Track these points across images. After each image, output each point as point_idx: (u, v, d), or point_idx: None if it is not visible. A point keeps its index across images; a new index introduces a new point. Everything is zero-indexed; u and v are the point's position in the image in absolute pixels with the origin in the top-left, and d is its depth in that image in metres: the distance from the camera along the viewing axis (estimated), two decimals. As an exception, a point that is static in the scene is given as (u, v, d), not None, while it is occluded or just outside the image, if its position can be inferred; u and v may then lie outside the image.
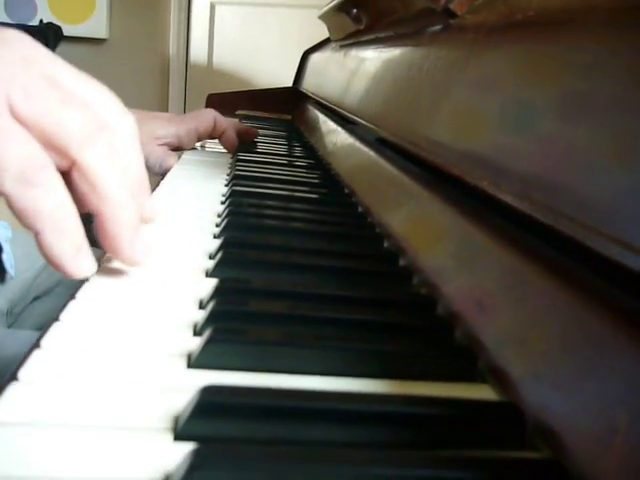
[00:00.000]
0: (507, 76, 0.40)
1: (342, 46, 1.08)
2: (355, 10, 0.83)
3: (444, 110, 0.47)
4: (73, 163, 0.32)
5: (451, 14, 0.52)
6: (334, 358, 0.28)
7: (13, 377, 0.25)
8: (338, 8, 0.92)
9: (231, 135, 0.92)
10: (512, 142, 0.36)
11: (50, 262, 0.32)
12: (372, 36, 0.84)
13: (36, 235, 0.31)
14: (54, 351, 0.28)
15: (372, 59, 0.78)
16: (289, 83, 1.58)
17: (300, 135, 1.19)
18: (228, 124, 0.93)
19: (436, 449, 0.23)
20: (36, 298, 0.89)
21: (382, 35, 0.78)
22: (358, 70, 0.84)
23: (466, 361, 0.29)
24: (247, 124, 1.13)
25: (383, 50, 0.73)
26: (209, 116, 0.92)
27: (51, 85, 0.32)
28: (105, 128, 0.34)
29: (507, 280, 0.33)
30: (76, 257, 0.32)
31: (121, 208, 0.34)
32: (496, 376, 0.28)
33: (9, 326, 0.82)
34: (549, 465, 0.22)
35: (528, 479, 0.20)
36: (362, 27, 0.86)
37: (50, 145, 0.31)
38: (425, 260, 0.42)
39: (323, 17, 1.10)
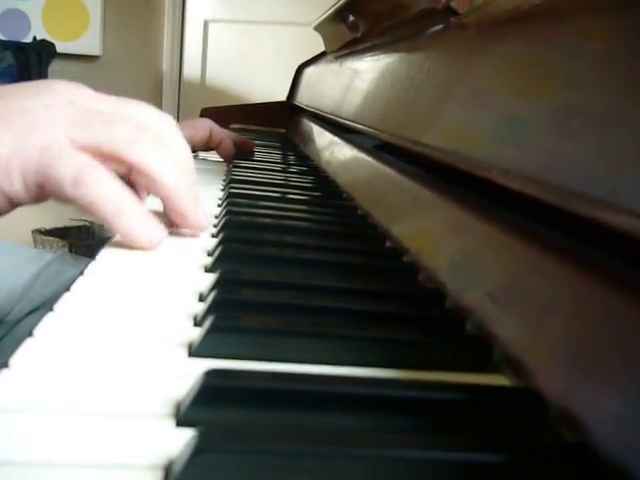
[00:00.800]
0: (512, 68, 0.39)
1: (337, 57, 1.08)
2: (351, 17, 0.83)
3: (448, 106, 0.46)
4: (130, 167, 0.39)
5: (452, 12, 0.52)
6: (340, 347, 0.27)
7: (4, 365, 0.24)
8: (334, 17, 0.92)
9: (228, 145, 0.91)
10: (519, 131, 0.35)
11: (124, 240, 0.39)
12: (369, 44, 0.83)
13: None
14: (48, 339, 0.26)
15: (370, 65, 0.77)
16: (283, 100, 1.57)
17: (295, 146, 1.19)
18: (225, 134, 0.92)
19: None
20: (33, 311, 0.87)
21: (379, 41, 0.78)
22: (355, 78, 0.83)
23: (480, 351, 0.28)
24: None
25: (381, 55, 0.73)
26: (205, 125, 0.90)
27: (94, 114, 0.38)
28: (147, 130, 0.39)
29: (518, 269, 0.32)
30: (142, 230, 0.39)
31: (178, 188, 0.40)
32: (512, 365, 0.27)
33: (1, 338, 0.80)
34: (575, 449, 0.20)
35: (557, 462, 0.19)
36: (359, 35, 0.85)
37: (108, 158, 0.38)
38: (429, 259, 0.41)
39: (318, 28, 1.09)
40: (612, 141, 0.27)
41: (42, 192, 0.37)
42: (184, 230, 0.45)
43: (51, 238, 2.40)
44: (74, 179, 0.36)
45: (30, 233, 2.43)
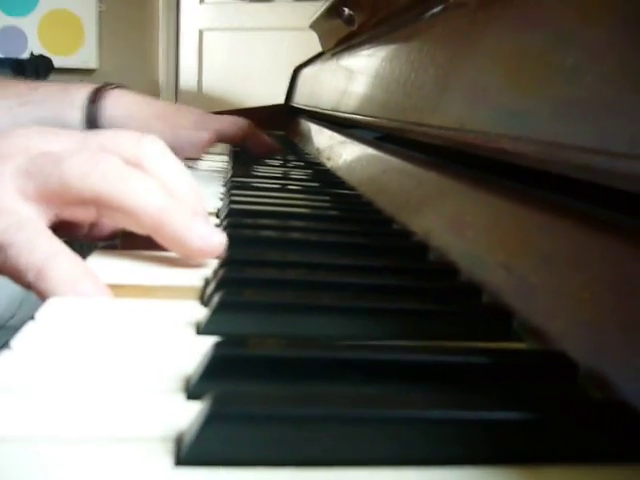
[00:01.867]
0: (515, 40, 0.38)
1: (334, 54, 1.07)
2: (347, 10, 0.82)
3: (451, 84, 0.45)
4: (93, 204, 0.32)
5: (450, -8, 0.51)
6: (352, 320, 0.26)
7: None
8: (329, 11, 0.91)
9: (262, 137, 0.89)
10: (528, 98, 0.34)
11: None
12: (366, 36, 0.83)
13: None
14: (52, 321, 0.25)
15: (368, 56, 0.76)
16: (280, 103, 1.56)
17: (294, 145, 1.18)
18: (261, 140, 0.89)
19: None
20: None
21: (376, 32, 0.77)
22: (353, 71, 0.83)
23: (498, 320, 0.27)
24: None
25: (379, 45, 0.72)
26: (242, 124, 0.87)
27: (44, 156, 0.32)
28: (106, 157, 0.32)
29: (533, 238, 0.31)
30: (72, 290, 0.28)
31: (157, 210, 0.32)
32: (534, 332, 0.26)
33: (3, 344, 0.79)
34: (605, 406, 0.19)
35: (586, 418, 0.18)
36: (355, 28, 0.85)
37: (70, 201, 0.32)
38: (439, 238, 0.40)
39: (314, 25, 1.09)
40: (626, 98, 0.26)
41: None
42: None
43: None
44: None
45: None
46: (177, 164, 0.36)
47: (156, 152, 0.35)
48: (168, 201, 0.32)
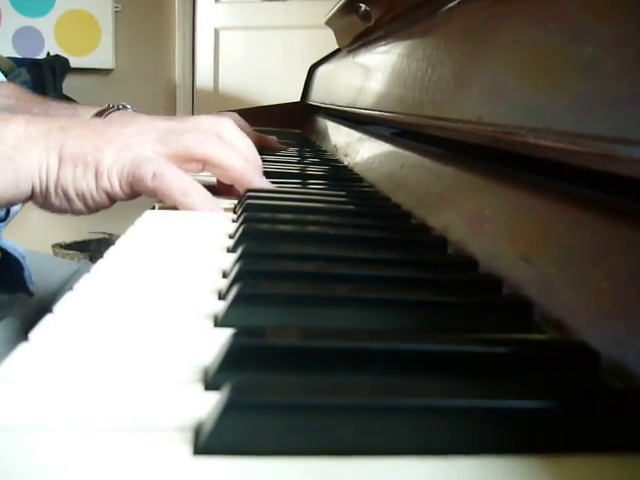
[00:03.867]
0: (533, 30, 0.38)
1: (350, 51, 1.07)
2: (363, 6, 0.82)
3: (469, 78, 0.45)
4: (203, 162, 0.51)
5: (468, -15, 0.50)
6: (371, 313, 0.26)
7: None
8: (345, 8, 0.90)
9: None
10: (546, 90, 0.33)
11: None
12: (382, 32, 0.82)
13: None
14: (70, 316, 0.25)
15: (384, 52, 0.76)
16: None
17: (311, 143, 1.18)
18: (247, 132, 0.92)
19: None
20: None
21: (393, 27, 0.77)
22: (370, 67, 0.82)
23: (519, 312, 0.27)
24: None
25: (395, 40, 0.71)
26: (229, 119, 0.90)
27: (169, 131, 0.51)
28: (209, 133, 0.52)
29: (553, 230, 0.30)
30: (203, 205, 0.48)
31: (244, 171, 0.52)
32: (555, 325, 0.26)
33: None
34: (628, 395, 0.19)
35: (607, 407, 0.18)
36: (371, 24, 0.84)
37: (185, 160, 0.50)
38: (457, 231, 0.40)
39: (330, 22, 1.08)
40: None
41: (131, 190, 0.49)
42: None
43: (71, 252, 2.40)
44: (153, 174, 0.47)
45: (50, 247, 2.44)
46: (244, 137, 0.55)
47: (230, 130, 0.54)
48: (245, 163, 0.52)
